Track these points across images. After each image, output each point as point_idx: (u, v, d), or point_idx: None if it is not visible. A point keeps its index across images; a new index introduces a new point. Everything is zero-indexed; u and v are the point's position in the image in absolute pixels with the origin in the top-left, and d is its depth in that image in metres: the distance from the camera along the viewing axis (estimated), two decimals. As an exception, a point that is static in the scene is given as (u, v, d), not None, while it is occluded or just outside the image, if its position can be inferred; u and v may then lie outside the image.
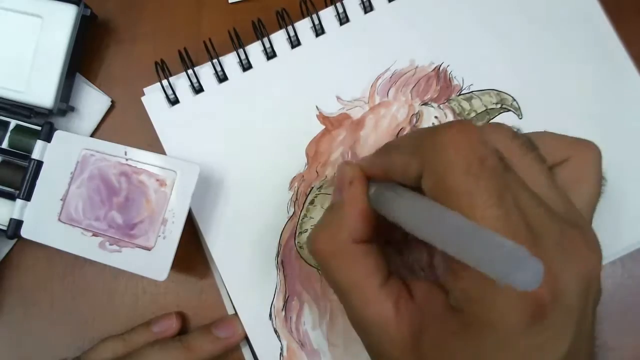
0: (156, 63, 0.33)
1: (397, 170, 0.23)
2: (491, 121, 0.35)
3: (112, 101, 0.37)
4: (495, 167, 0.20)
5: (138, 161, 0.31)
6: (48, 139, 0.33)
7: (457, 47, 0.35)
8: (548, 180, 0.23)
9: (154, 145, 0.35)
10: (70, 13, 0.34)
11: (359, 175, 0.25)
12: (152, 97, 0.34)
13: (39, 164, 0.32)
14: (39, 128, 0.33)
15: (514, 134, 0.23)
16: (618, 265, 0.35)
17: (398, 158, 0.23)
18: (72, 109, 0.36)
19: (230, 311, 0.34)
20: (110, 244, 0.31)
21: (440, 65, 0.35)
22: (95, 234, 0.31)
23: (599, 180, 0.25)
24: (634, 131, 0.35)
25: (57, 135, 0.32)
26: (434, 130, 0.21)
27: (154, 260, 0.31)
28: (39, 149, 0.32)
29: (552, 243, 0.20)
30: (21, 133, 0.34)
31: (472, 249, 0.17)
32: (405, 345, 0.22)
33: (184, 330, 0.35)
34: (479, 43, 0.35)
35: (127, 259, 0.31)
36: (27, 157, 0.33)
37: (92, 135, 0.36)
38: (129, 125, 0.36)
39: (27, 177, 0.32)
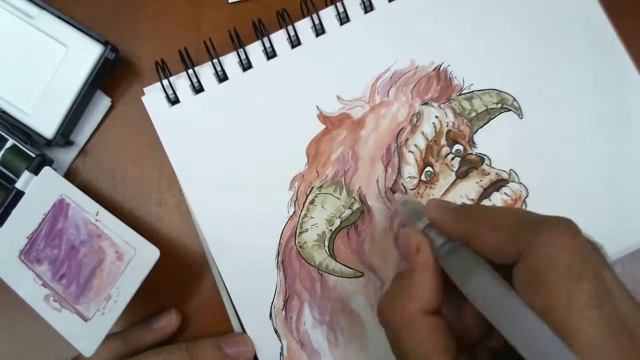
0: (156, 63, 0.33)
1: (486, 244, 0.23)
2: (492, 120, 0.35)
3: (112, 101, 0.36)
4: (597, 269, 0.20)
5: (106, 225, 0.31)
6: (36, 172, 0.32)
7: (458, 46, 0.35)
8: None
9: (154, 145, 0.35)
10: (94, 52, 0.34)
11: (425, 243, 0.25)
12: (153, 97, 0.34)
13: (20, 193, 0.32)
14: (33, 155, 0.33)
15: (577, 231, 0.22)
16: (618, 265, 0.35)
17: (493, 235, 0.22)
18: (72, 143, 0.36)
19: (230, 311, 0.34)
20: (54, 300, 0.30)
21: (441, 65, 0.35)
22: (44, 285, 0.31)
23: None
24: (634, 131, 0.35)
25: (45, 171, 0.32)
26: (539, 224, 0.21)
27: (86, 333, 0.30)
28: (24, 180, 0.32)
29: None
30: (15, 154, 0.34)
31: None
32: None
33: (182, 330, 0.35)
34: (479, 43, 0.35)
35: (63, 321, 0.30)
36: (13, 180, 0.33)
37: (92, 135, 0.36)
38: (129, 125, 0.36)
39: (5, 204, 0.32)
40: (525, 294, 0.20)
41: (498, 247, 0.22)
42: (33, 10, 0.34)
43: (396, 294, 0.25)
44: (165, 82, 0.34)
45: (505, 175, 0.34)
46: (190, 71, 0.34)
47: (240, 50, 0.34)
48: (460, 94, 0.35)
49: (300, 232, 0.33)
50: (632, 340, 0.19)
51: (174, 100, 0.34)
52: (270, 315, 0.33)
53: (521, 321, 0.19)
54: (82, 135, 0.36)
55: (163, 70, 0.34)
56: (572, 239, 0.20)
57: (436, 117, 0.34)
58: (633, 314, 0.20)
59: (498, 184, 0.34)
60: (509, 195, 0.34)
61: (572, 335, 0.18)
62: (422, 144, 0.34)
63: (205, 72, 0.34)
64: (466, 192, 0.34)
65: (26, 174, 0.32)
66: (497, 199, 0.34)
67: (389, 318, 0.24)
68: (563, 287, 0.19)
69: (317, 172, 0.34)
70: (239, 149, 0.34)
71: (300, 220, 0.34)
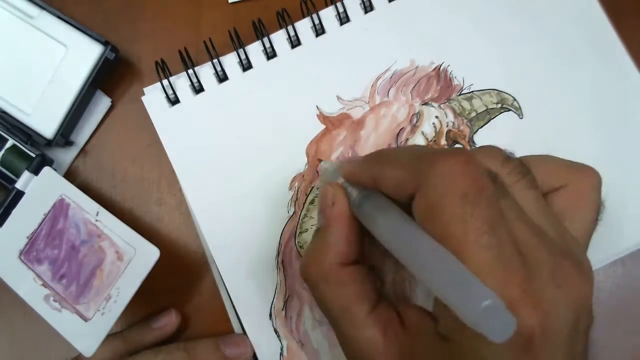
0: (156, 63, 0.33)
1: (388, 183, 0.23)
2: (492, 120, 0.35)
3: (112, 101, 0.36)
4: (491, 196, 0.20)
5: (106, 225, 0.31)
6: (36, 172, 0.32)
7: (458, 46, 0.35)
8: (540, 207, 0.22)
9: (154, 145, 0.35)
10: (94, 52, 0.34)
11: (340, 196, 0.25)
12: (153, 97, 0.34)
13: (20, 193, 0.32)
14: (33, 155, 0.33)
15: (506, 158, 0.23)
16: (618, 265, 0.35)
17: (392, 172, 0.22)
18: (72, 143, 0.36)
19: (230, 311, 0.34)
20: (54, 300, 0.30)
21: (441, 65, 0.35)
22: (44, 285, 0.31)
23: (597, 207, 0.25)
24: (634, 131, 0.35)
25: (45, 171, 0.32)
26: (434, 155, 0.21)
27: (86, 333, 0.30)
28: (24, 180, 0.32)
29: (545, 273, 0.20)
30: (14, 154, 0.34)
31: (450, 289, 0.17)
32: None
33: (182, 330, 0.35)
34: (479, 43, 0.35)
35: (63, 321, 0.30)
36: (13, 180, 0.33)
37: (92, 135, 0.36)
38: (129, 125, 0.36)
39: (5, 204, 0.31)
40: (424, 226, 0.20)
41: (398, 184, 0.22)
42: (33, 10, 0.34)
43: (313, 249, 0.25)
44: (165, 82, 0.34)
45: (505, 175, 0.34)
46: (190, 71, 0.34)
47: (240, 50, 0.34)
48: (460, 94, 0.35)
49: (300, 232, 0.33)
50: (523, 264, 0.19)
51: (174, 100, 0.34)
52: (270, 315, 0.33)
53: (423, 252, 0.19)
54: (82, 135, 0.36)
55: (163, 70, 0.34)
56: (465, 166, 0.20)
57: (436, 117, 0.34)
58: (528, 239, 0.20)
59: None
60: (509, 195, 0.34)
61: (464, 261, 0.18)
62: (422, 144, 0.34)
63: (205, 72, 0.34)
64: (466, 192, 0.34)
65: (26, 174, 0.32)
66: (497, 199, 0.34)
67: (308, 274, 0.25)
68: (457, 215, 0.19)
69: (317, 172, 0.34)
70: (239, 149, 0.34)
71: (300, 221, 0.34)
